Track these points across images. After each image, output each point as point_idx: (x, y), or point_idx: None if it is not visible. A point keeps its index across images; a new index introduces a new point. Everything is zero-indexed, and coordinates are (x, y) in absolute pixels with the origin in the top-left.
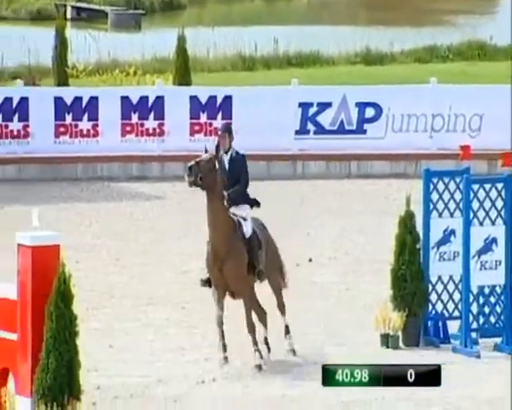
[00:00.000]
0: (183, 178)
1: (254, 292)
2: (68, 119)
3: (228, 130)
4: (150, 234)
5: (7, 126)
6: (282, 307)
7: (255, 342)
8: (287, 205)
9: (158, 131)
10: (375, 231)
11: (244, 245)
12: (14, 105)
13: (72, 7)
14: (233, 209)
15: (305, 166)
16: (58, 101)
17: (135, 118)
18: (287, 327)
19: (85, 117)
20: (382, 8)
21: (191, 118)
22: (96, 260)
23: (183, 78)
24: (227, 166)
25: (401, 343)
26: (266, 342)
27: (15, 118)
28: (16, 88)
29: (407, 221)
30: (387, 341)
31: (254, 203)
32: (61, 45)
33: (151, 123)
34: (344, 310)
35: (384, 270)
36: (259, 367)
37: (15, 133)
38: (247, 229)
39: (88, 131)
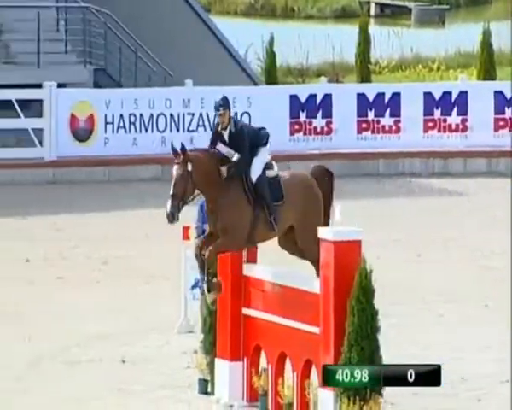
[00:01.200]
0: (486, 174)
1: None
2: (370, 115)
3: (228, 105)
4: (452, 230)
5: (311, 123)
6: None
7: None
8: None
9: (461, 126)
10: None
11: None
12: (318, 102)
13: (376, 4)
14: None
15: None
16: (360, 97)
17: (437, 113)
18: None
19: (387, 113)
20: None
21: (496, 113)
22: (397, 256)
23: (488, 72)
24: (227, 141)
25: None
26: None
27: (319, 114)
28: (320, 85)
29: None
30: None
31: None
32: (364, 42)
33: (454, 118)
34: None
35: None
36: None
37: (319, 130)
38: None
39: (390, 127)
